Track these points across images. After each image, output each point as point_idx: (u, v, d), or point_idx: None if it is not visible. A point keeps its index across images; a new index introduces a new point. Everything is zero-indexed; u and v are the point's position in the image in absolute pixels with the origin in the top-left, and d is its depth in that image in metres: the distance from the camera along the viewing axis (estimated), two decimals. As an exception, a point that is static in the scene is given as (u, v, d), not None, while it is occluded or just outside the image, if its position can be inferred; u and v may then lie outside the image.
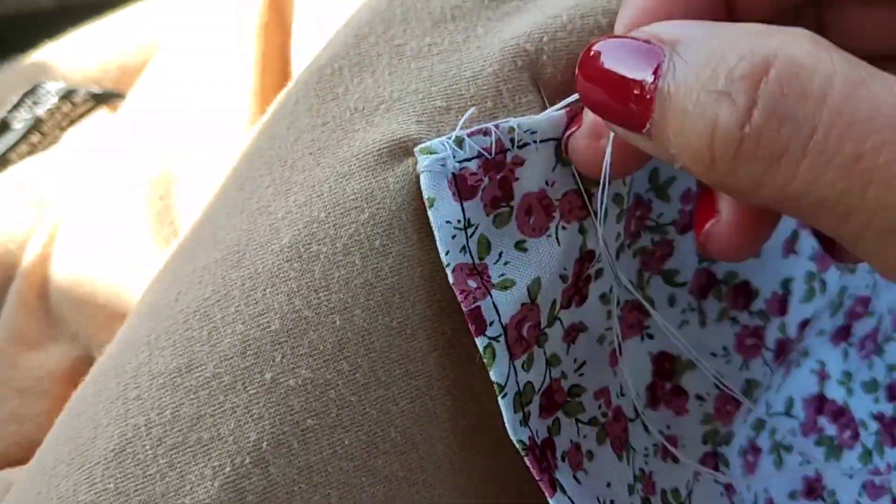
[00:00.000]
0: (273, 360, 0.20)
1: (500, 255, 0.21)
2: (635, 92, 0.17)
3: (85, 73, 0.44)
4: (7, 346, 0.36)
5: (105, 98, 0.42)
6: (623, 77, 0.17)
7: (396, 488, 0.21)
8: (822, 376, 0.31)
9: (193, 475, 0.19)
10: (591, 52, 0.18)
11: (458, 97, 0.22)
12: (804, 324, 0.29)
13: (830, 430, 0.31)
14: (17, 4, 0.72)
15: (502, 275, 0.21)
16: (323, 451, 0.20)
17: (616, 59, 0.18)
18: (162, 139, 0.39)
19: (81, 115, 0.42)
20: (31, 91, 0.42)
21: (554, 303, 0.22)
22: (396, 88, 0.22)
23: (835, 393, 0.31)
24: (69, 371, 0.36)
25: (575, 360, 0.23)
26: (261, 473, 0.19)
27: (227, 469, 0.19)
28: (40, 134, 0.42)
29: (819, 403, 0.31)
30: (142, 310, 0.23)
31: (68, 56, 0.45)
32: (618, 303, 0.25)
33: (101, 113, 0.42)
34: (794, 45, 0.15)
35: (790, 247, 0.29)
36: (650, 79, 0.17)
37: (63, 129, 0.42)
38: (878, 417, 0.31)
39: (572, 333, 0.23)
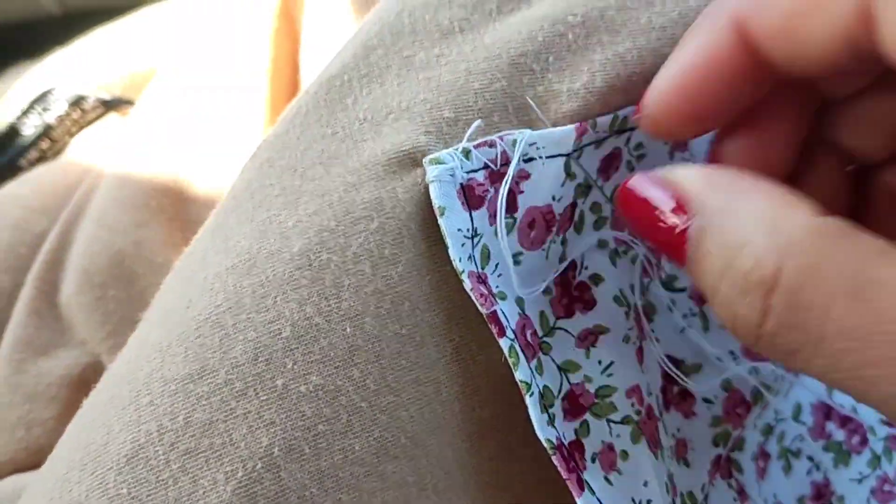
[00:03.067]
0: (284, 367, 0.20)
1: (497, 266, 0.21)
2: (669, 228, 0.19)
3: (95, 79, 0.44)
4: (16, 351, 0.36)
5: (115, 104, 0.43)
6: (657, 211, 0.19)
7: (406, 493, 0.21)
8: None
9: (206, 480, 0.19)
10: (627, 185, 0.20)
11: (465, 109, 0.22)
12: None
13: (839, 435, 0.31)
14: (24, 10, 0.72)
15: (497, 286, 0.21)
16: (334, 456, 0.20)
17: (650, 194, 0.20)
18: (173, 145, 0.39)
19: (91, 122, 0.42)
20: (41, 97, 0.42)
21: (542, 314, 0.22)
22: (405, 98, 0.23)
23: (842, 398, 0.31)
24: (78, 377, 0.36)
25: (600, 362, 0.23)
26: (272, 478, 0.20)
27: (240, 474, 0.19)
28: (50, 140, 0.42)
29: (827, 408, 0.31)
30: (153, 317, 0.23)
31: (78, 62, 0.46)
32: (630, 306, 0.25)
33: (111, 119, 0.43)
34: (800, 251, 0.17)
35: None
36: (680, 226, 0.19)
37: (72, 136, 0.42)
38: (887, 422, 0.31)
39: (589, 338, 0.23)
